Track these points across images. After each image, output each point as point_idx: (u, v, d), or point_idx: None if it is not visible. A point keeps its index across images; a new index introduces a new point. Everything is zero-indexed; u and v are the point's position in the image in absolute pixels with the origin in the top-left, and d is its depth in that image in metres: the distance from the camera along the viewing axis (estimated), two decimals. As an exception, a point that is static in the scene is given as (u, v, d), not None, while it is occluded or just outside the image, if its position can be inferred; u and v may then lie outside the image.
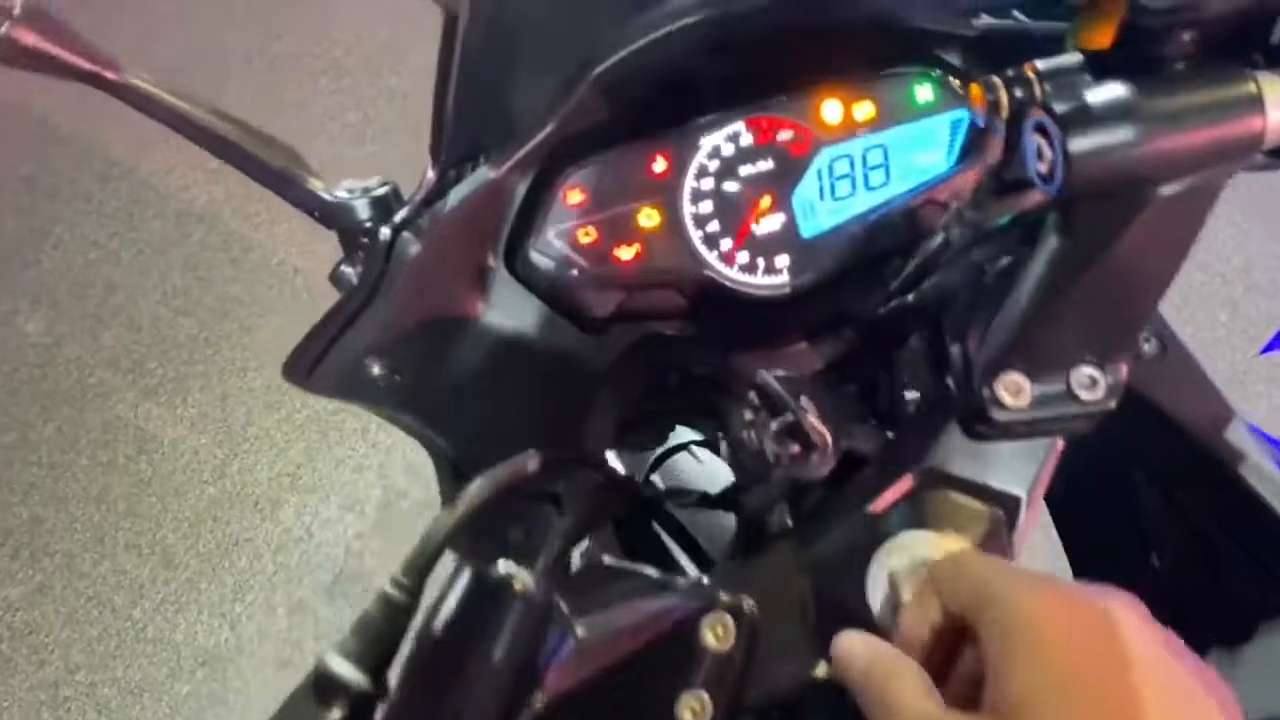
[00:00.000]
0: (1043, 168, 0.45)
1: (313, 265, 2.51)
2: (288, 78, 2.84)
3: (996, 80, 0.48)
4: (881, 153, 0.63)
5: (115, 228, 2.48)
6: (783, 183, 0.62)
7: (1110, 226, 0.46)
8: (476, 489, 0.48)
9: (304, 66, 2.87)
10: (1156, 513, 0.66)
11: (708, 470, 1.10)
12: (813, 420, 0.53)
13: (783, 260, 0.63)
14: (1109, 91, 0.44)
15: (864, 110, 0.62)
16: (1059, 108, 0.44)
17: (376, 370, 0.62)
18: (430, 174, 0.59)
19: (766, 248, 0.63)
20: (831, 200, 0.63)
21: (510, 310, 0.62)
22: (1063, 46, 0.60)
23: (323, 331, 0.60)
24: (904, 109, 0.62)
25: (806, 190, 0.63)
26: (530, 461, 0.49)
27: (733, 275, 0.63)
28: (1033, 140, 0.45)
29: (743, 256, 0.63)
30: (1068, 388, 0.51)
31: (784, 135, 0.62)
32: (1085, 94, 0.44)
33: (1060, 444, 0.54)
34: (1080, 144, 0.43)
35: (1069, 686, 0.38)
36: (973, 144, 0.63)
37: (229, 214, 2.72)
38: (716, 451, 1.04)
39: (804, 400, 0.55)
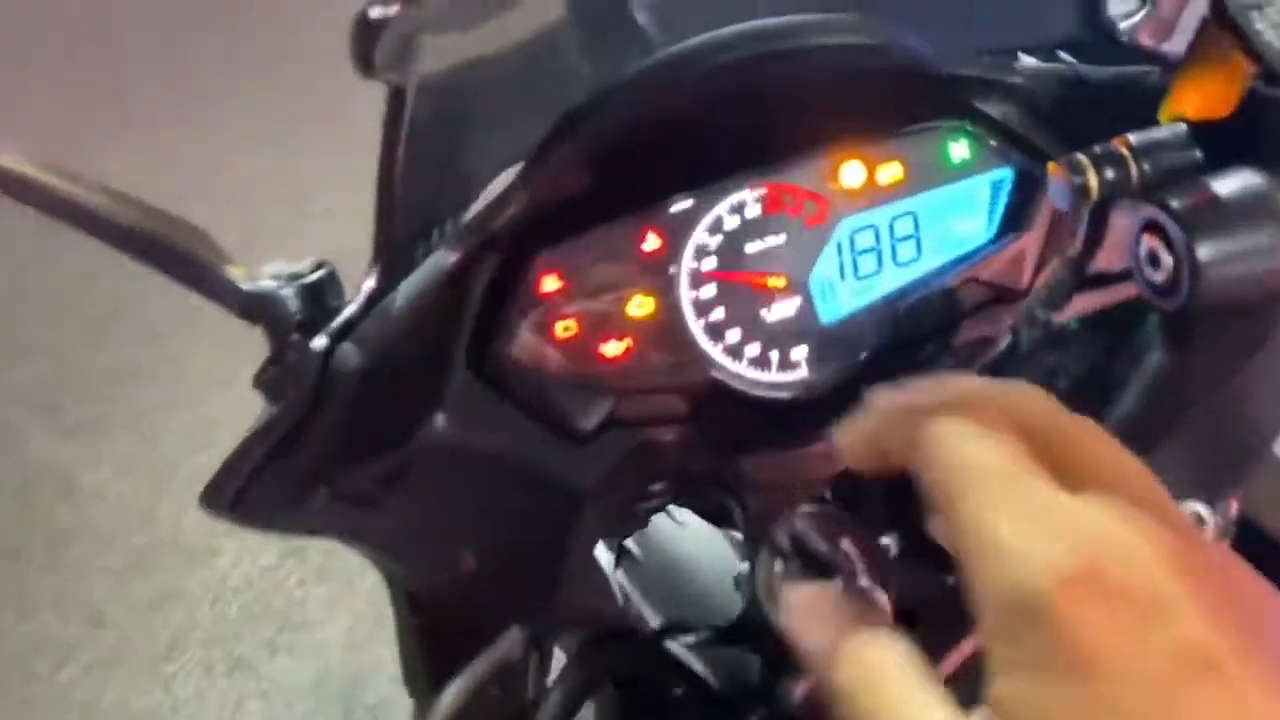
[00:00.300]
0: (1159, 277, 0.35)
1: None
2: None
3: (1083, 159, 0.38)
4: (911, 222, 0.53)
5: (24, 251, 2.31)
6: (797, 260, 0.53)
7: (1238, 346, 0.37)
8: (451, 697, 0.37)
9: None
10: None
11: (690, 534, 1.00)
12: (867, 587, 0.43)
13: (800, 351, 0.53)
14: (1241, 183, 0.35)
15: (889, 173, 0.53)
16: (1178, 203, 0.35)
17: (315, 498, 0.51)
18: (373, 267, 0.48)
19: (781, 337, 0.53)
20: (854, 279, 0.53)
21: (476, 420, 0.52)
22: (1126, 96, 0.52)
23: (245, 458, 0.49)
24: (936, 170, 0.53)
25: (825, 268, 0.53)
26: (512, 647, 0.39)
27: (742, 371, 0.53)
28: (1144, 243, 0.36)
29: (753, 349, 0.53)
30: (1169, 527, 0.42)
31: (797, 204, 0.52)
32: (1213, 186, 0.35)
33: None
34: (1212, 252, 0.34)
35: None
36: (1018, 210, 0.53)
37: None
38: (697, 510, 0.94)
39: (846, 544, 0.45)
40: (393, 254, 0.48)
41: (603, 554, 1.04)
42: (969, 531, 0.26)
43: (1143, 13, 0.57)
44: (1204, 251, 0.33)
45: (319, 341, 0.47)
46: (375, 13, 0.32)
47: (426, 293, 0.48)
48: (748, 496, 0.56)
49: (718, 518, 0.79)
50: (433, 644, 0.55)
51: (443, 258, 0.49)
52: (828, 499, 0.56)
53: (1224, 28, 0.36)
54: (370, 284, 0.48)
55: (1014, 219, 0.53)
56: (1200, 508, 0.41)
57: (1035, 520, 0.25)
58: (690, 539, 0.91)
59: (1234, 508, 0.42)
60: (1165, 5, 0.57)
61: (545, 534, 0.54)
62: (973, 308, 0.54)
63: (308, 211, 2.59)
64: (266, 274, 0.53)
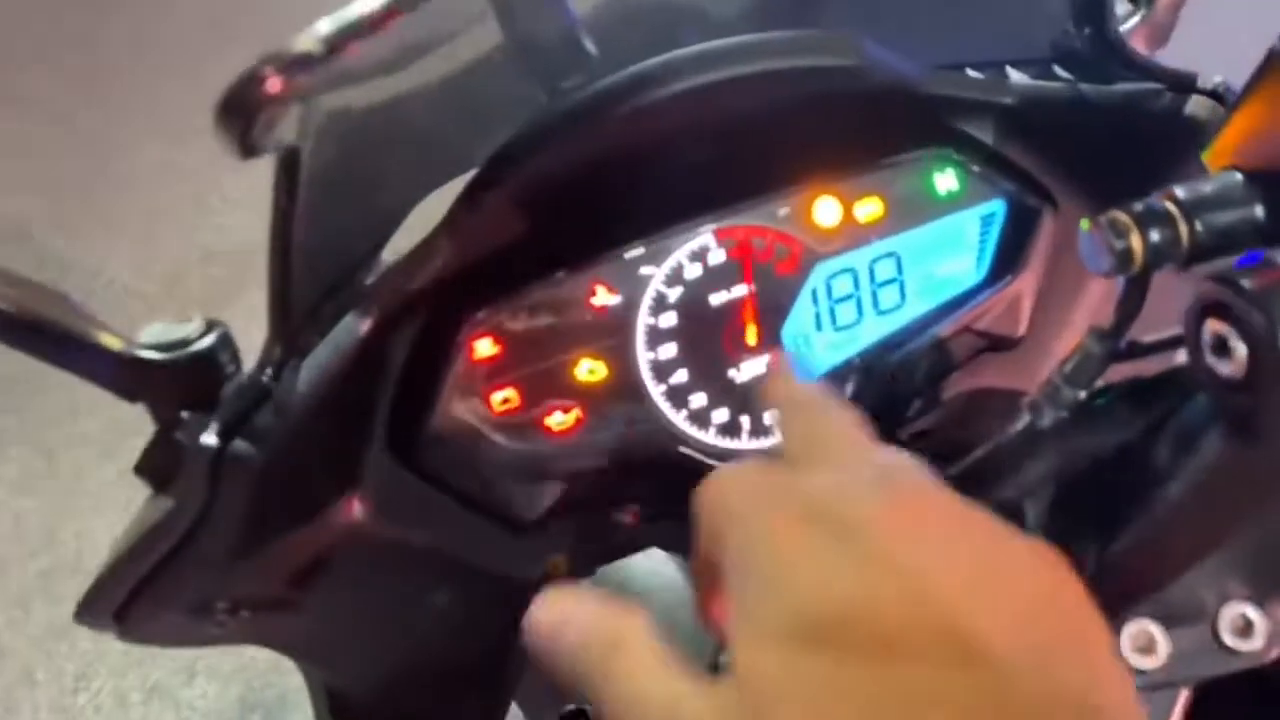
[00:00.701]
0: (1229, 369, 0.29)
1: (147, 285, 2.23)
2: None
3: (1125, 219, 0.32)
4: (894, 264, 0.47)
5: (-95, 255, 2.14)
6: (768, 312, 0.46)
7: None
8: None
9: None
10: None
11: (653, 568, 0.95)
12: None
13: (774, 415, 0.47)
14: (1324, 257, 0.29)
15: (868, 209, 0.46)
16: (1252, 283, 0.29)
17: (215, 609, 0.43)
18: (270, 345, 0.40)
19: (752, 401, 0.46)
20: (833, 331, 0.47)
21: (400, 510, 0.44)
22: (1136, 120, 0.46)
23: (126, 571, 0.41)
24: (920, 205, 0.47)
25: (799, 320, 0.47)
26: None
27: (709, 441, 0.46)
28: (1209, 329, 0.30)
29: (720, 414, 0.46)
30: (1214, 633, 0.36)
31: (766, 249, 0.45)
32: (1288, 261, 0.29)
33: (1188, 691, 0.40)
34: (1295, 343, 0.28)
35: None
36: (1012, 247, 0.47)
37: (44, 227, 2.39)
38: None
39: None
40: (292, 329, 0.40)
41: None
42: None
43: (1137, 17, 0.51)
44: (1288, 341, 0.27)
45: (208, 439, 0.39)
46: (248, 95, 0.24)
47: (336, 369, 0.41)
48: None
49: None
50: None
51: (354, 324, 0.41)
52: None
53: (1289, 68, 0.30)
54: (267, 365, 0.40)
55: (1008, 258, 0.47)
56: (1249, 609, 0.36)
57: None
58: (644, 567, 0.85)
59: (1285, 612, 0.36)
60: (1161, 9, 0.51)
61: (486, 633, 0.46)
62: (964, 359, 0.48)
63: (210, 203, 2.45)
64: (146, 340, 0.44)
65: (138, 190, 2.50)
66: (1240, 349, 0.29)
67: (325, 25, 0.27)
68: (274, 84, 0.25)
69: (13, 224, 2.33)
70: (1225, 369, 0.29)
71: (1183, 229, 0.32)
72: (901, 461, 0.30)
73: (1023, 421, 0.37)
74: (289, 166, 0.33)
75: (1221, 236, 0.32)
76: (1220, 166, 0.33)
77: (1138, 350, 0.35)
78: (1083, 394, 0.36)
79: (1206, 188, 0.32)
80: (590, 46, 0.51)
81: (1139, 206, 0.32)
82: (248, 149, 0.26)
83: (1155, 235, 0.32)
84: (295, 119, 0.31)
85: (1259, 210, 0.31)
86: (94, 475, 1.88)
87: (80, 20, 3.06)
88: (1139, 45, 0.52)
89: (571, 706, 0.50)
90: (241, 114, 0.25)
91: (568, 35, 0.48)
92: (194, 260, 2.29)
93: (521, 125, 0.42)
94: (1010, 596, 0.24)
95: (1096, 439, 0.37)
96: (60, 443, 1.93)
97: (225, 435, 0.39)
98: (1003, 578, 0.25)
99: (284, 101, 0.26)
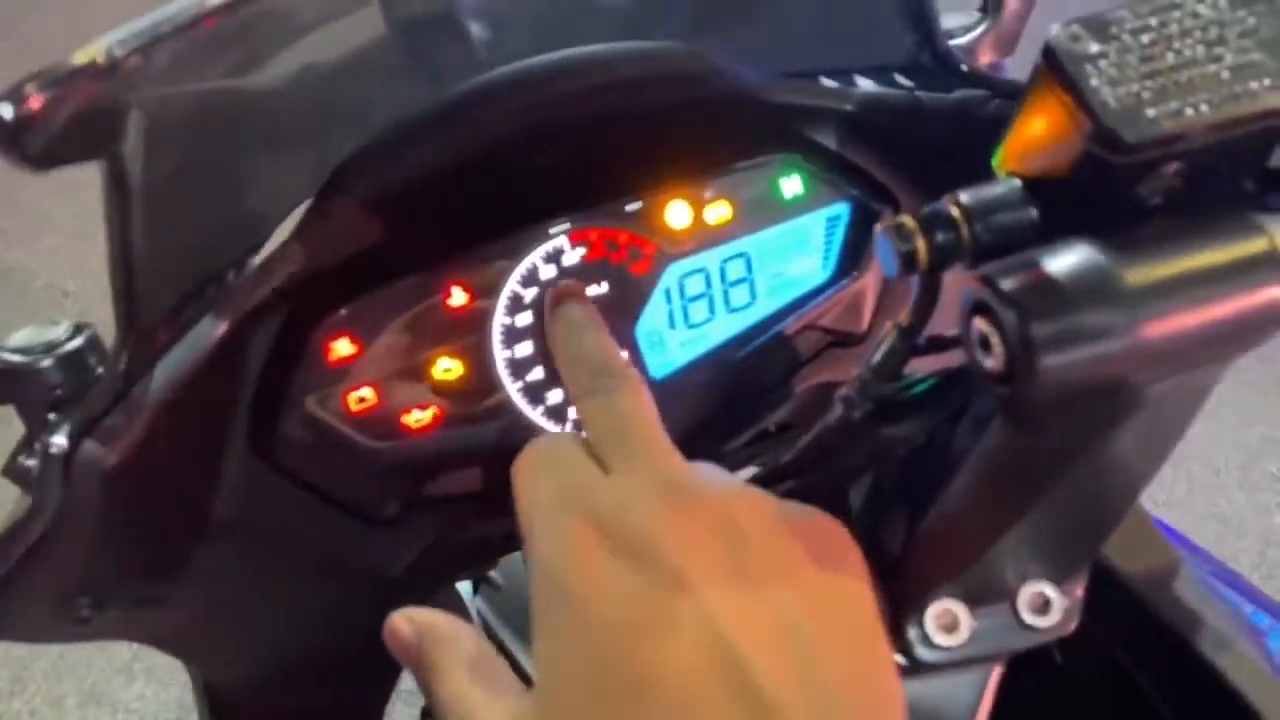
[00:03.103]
0: (991, 363, 0.31)
1: (87, 287, 2.21)
2: None
3: (910, 223, 0.34)
4: (744, 264, 0.49)
5: None
6: (622, 310, 0.48)
7: (1082, 431, 0.33)
8: None
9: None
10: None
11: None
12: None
13: (628, 410, 0.48)
14: (1078, 259, 0.31)
15: (718, 212, 0.48)
16: (1008, 284, 0.31)
17: (79, 607, 0.44)
18: (119, 346, 0.41)
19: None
20: (685, 328, 0.49)
21: (263, 507, 0.45)
22: (965, 124, 0.48)
23: (-11, 570, 0.42)
24: (768, 208, 0.49)
25: (653, 318, 0.48)
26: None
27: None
28: (975, 326, 0.32)
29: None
30: (1014, 611, 0.38)
31: (619, 250, 0.47)
32: (1044, 261, 0.31)
33: (999, 669, 0.42)
34: (1047, 340, 0.30)
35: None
36: (856, 247, 0.49)
37: (-22, 230, 2.37)
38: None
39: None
40: (143, 327, 0.41)
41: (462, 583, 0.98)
42: None
43: (983, 26, 0.53)
44: (1039, 340, 0.29)
45: (59, 441, 0.40)
46: (6, 113, 0.25)
47: (190, 371, 0.42)
48: None
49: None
50: None
51: (208, 328, 0.42)
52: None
53: (1055, 78, 0.32)
54: (117, 366, 0.41)
55: (851, 257, 0.50)
56: (1047, 588, 0.38)
57: None
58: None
59: (1081, 588, 0.39)
60: (1007, 18, 0.54)
61: (357, 627, 0.48)
62: (811, 355, 0.50)
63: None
64: (14, 344, 0.45)
65: (72, 191, 2.48)
66: (999, 346, 0.31)
67: (114, 34, 0.28)
68: (35, 101, 0.26)
69: (-53, 227, 2.30)
70: (989, 363, 0.31)
71: (964, 231, 0.34)
72: (692, 472, 0.32)
73: (836, 413, 0.39)
74: (118, 178, 0.34)
75: (1002, 238, 0.34)
76: (1005, 171, 0.35)
77: (935, 345, 0.37)
78: (890, 387, 0.38)
79: (989, 192, 0.34)
80: (478, 32, 0.52)
81: (925, 210, 0.34)
82: (30, 163, 0.28)
83: (939, 237, 0.34)
84: (117, 128, 0.32)
85: (1033, 214, 0.33)
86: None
87: (8, 8, 3.02)
88: (986, 53, 0.54)
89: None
90: (2, 133, 0.26)
91: (449, 21, 0.50)
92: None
93: (371, 133, 0.43)
94: (800, 641, 0.27)
95: (903, 429, 0.39)
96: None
97: (76, 437, 0.40)
98: (792, 620, 0.27)
99: (55, 118, 0.27)
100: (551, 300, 0.42)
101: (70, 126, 0.27)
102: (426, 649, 0.33)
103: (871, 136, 0.48)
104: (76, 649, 1.72)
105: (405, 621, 0.35)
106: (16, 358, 0.44)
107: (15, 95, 0.26)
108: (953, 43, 0.51)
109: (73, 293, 2.19)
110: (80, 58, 0.27)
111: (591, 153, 0.46)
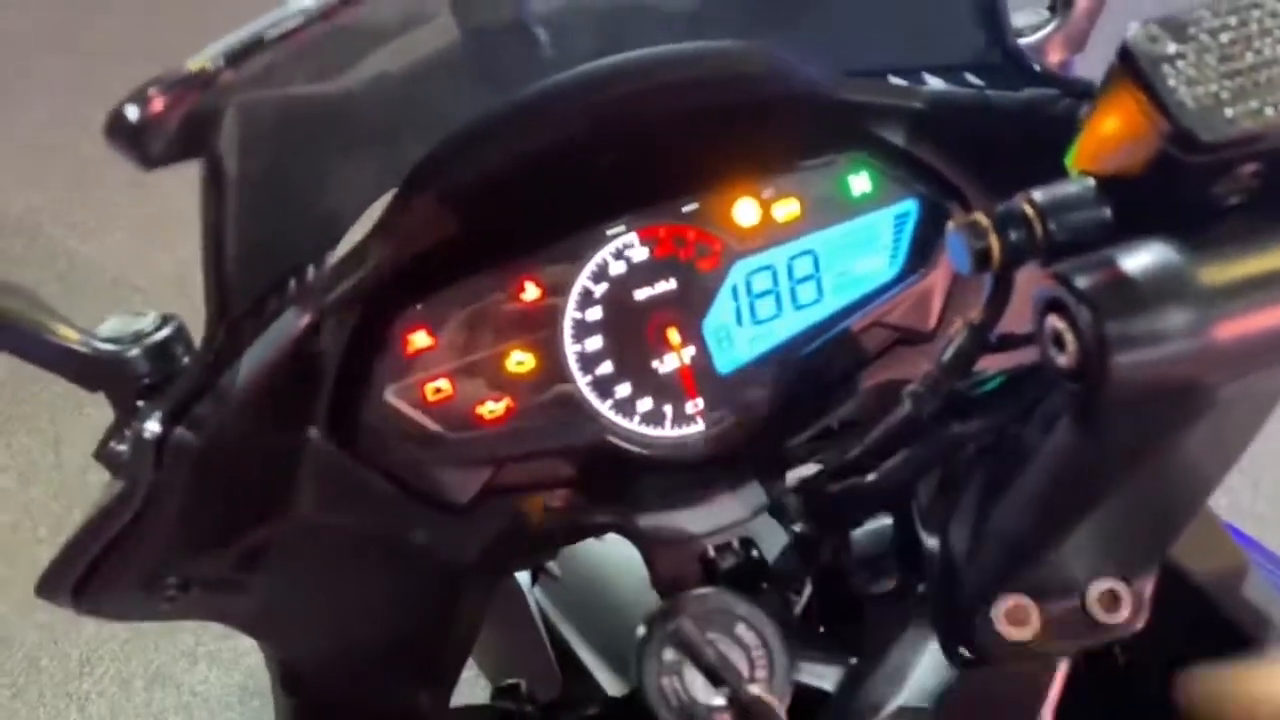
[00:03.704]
0: (1064, 360, 0.32)
1: (152, 281, 2.26)
2: None
3: (984, 221, 0.35)
4: (811, 261, 0.49)
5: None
6: (690, 306, 0.49)
7: (1153, 431, 0.33)
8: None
9: None
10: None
11: (611, 549, 0.97)
12: (758, 695, 0.39)
13: (695, 404, 0.49)
14: (1153, 258, 0.31)
15: (786, 210, 0.49)
16: (1083, 281, 0.31)
17: (165, 587, 0.46)
18: (208, 337, 0.43)
19: (674, 390, 0.49)
20: (752, 325, 0.50)
21: (339, 494, 0.47)
22: (1035, 123, 0.48)
23: (83, 547, 0.44)
24: (836, 205, 0.49)
25: (720, 314, 0.49)
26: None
27: (633, 429, 0.49)
28: (1049, 324, 0.32)
29: (645, 404, 0.49)
30: (1083, 607, 0.39)
31: (688, 247, 0.48)
32: (1119, 259, 0.31)
33: (1066, 665, 0.43)
34: (1121, 338, 0.30)
35: None
36: (924, 245, 0.50)
37: (51, 223, 2.43)
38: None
39: (743, 630, 0.41)
40: (231, 319, 0.43)
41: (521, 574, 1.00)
42: None
43: (1052, 24, 0.53)
44: (1113, 338, 0.29)
45: (152, 427, 0.42)
46: (132, 115, 0.27)
47: (273, 361, 0.43)
48: (652, 552, 0.52)
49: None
50: None
51: (291, 320, 0.44)
52: (736, 551, 0.53)
53: (1131, 78, 0.32)
54: (206, 356, 0.42)
55: (919, 255, 0.50)
56: (1116, 585, 0.39)
57: None
58: (611, 554, 0.88)
59: (1150, 584, 0.39)
60: (1077, 16, 0.53)
61: (427, 613, 0.49)
62: (878, 352, 0.50)
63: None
64: (105, 334, 0.47)
65: (146, 188, 2.54)
66: (1073, 343, 0.31)
67: (226, 41, 0.30)
68: (158, 104, 0.27)
69: (24, 220, 2.37)
70: (1062, 360, 0.31)
71: (1038, 229, 0.34)
72: None
73: (905, 410, 0.39)
74: (215, 175, 0.35)
75: (1075, 236, 0.34)
76: (1078, 170, 0.35)
77: (1008, 343, 0.38)
78: (960, 383, 0.39)
79: (1062, 191, 0.34)
80: (545, 37, 0.53)
81: (999, 208, 0.35)
82: (147, 162, 0.29)
83: (1012, 235, 0.34)
84: (216, 129, 0.34)
85: (1107, 213, 0.34)
86: (98, 465, 1.91)
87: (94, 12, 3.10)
88: (1056, 51, 0.54)
89: (508, 681, 0.53)
90: (126, 133, 0.27)
91: (518, 27, 0.51)
92: (199, 257, 2.33)
93: (449, 131, 0.45)
94: None
95: (972, 426, 0.39)
96: (66, 434, 1.96)
97: (168, 423, 0.42)
98: None
99: (171, 120, 0.28)
100: None
101: (182, 128, 0.29)
102: None
103: (940, 134, 0.48)
104: (142, 634, 1.77)
105: None
106: (107, 347, 0.46)
107: (139, 98, 0.27)
108: (1022, 41, 0.51)
109: (141, 287, 2.24)
110: (194, 64, 0.29)
111: (658, 152, 0.47)
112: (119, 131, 0.28)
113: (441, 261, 0.46)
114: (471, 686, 1.15)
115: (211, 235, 0.39)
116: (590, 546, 0.86)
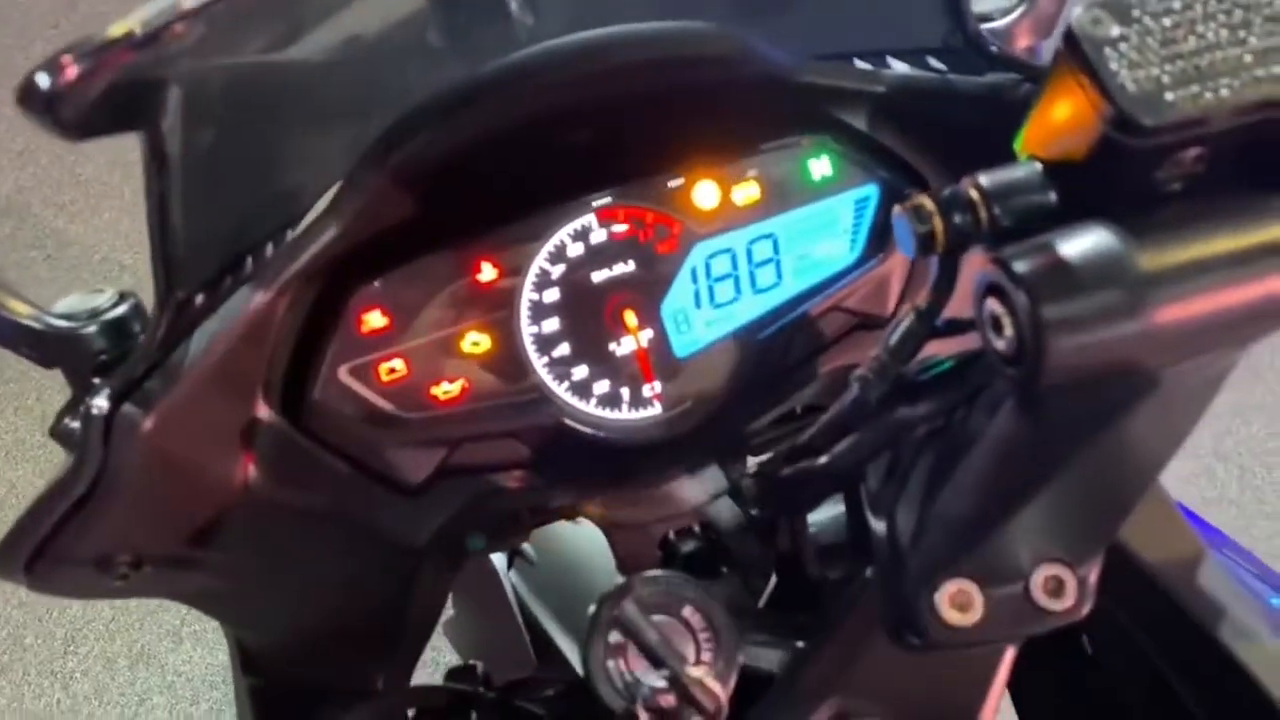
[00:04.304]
0: (1002, 345, 0.32)
1: (140, 260, 2.25)
2: None
3: (929, 204, 0.34)
4: (770, 245, 0.49)
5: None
6: (648, 289, 0.48)
7: (1094, 416, 0.33)
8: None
9: None
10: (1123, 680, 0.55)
11: (585, 532, 0.97)
12: (699, 677, 0.39)
13: (653, 387, 0.49)
14: (1090, 241, 0.31)
15: (746, 193, 0.48)
16: (1021, 265, 0.31)
17: (118, 565, 0.46)
18: (158, 314, 0.42)
19: (632, 373, 0.49)
20: (711, 308, 0.49)
21: (292, 473, 0.47)
22: (996, 108, 0.48)
23: (35, 524, 0.44)
24: (796, 189, 0.49)
25: (679, 297, 0.49)
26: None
27: (590, 412, 0.49)
28: (988, 308, 0.32)
29: (602, 386, 0.49)
30: (1027, 593, 0.39)
31: (647, 229, 0.48)
32: (1057, 244, 0.31)
33: (1013, 650, 0.43)
34: (1058, 323, 0.30)
35: None
36: (883, 230, 0.50)
37: (40, 204, 2.42)
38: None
39: (689, 612, 0.41)
40: (183, 296, 0.43)
41: (496, 556, 1.00)
42: None
43: (1020, 9, 0.53)
44: (1048, 322, 0.29)
45: (100, 404, 0.42)
46: (44, 83, 0.27)
47: (226, 339, 0.43)
48: (611, 535, 0.52)
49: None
50: (267, 711, 0.50)
51: (245, 298, 0.44)
52: (696, 535, 0.53)
53: (1075, 61, 0.32)
54: (156, 333, 0.42)
55: (879, 240, 0.50)
56: (1061, 571, 0.38)
57: None
58: (585, 537, 0.88)
59: (1095, 570, 0.39)
60: (1044, 1, 0.53)
61: (383, 594, 0.49)
62: (837, 336, 0.50)
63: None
64: (60, 310, 0.47)
65: (132, 166, 2.52)
66: (1010, 327, 0.31)
67: (151, 6, 0.29)
68: (71, 72, 0.27)
69: (13, 201, 2.35)
70: (1000, 344, 0.31)
71: (983, 213, 0.34)
72: None
73: (853, 394, 0.39)
74: (155, 149, 0.35)
75: (1020, 220, 0.34)
76: (1026, 154, 0.35)
77: (954, 328, 0.38)
78: (907, 368, 0.38)
79: (1008, 175, 0.34)
80: (518, 11, 0.53)
81: (945, 192, 0.34)
82: (65, 132, 0.29)
83: (957, 219, 0.34)
84: (154, 101, 0.33)
85: (1052, 197, 0.33)
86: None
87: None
88: (1024, 36, 0.54)
89: (466, 663, 0.53)
90: (39, 102, 0.27)
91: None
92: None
93: (403, 109, 0.44)
94: None
95: (920, 410, 0.39)
96: (54, 411, 1.96)
97: (116, 400, 0.42)
98: None
99: (89, 89, 0.28)
100: None
101: (105, 98, 0.29)
102: None
103: (902, 119, 0.48)
104: (128, 613, 1.77)
105: None
106: (62, 323, 0.46)
107: (51, 65, 0.27)
108: (990, 26, 0.51)
109: (129, 265, 2.23)
110: (116, 30, 0.28)
111: (619, 133, 0.46)
112: (31, 100, 0.27)
113: (397, 240, 0.46)
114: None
115: (156, 211, 0.39)
116: (564, 530, 0.86)
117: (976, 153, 0.46)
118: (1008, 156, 0.40)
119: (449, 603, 0.92)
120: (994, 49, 0.46)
